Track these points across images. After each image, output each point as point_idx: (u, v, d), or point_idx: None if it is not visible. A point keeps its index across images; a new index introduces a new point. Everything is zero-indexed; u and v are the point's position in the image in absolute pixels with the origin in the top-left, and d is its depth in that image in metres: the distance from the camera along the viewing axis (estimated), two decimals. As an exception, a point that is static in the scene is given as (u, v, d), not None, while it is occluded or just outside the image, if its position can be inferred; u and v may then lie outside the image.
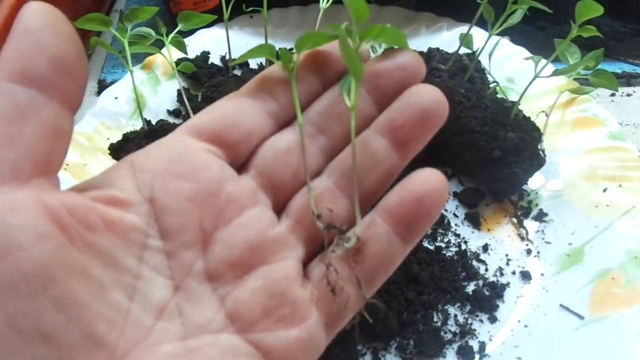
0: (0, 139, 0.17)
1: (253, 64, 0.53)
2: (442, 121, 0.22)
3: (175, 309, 0.20)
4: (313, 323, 0.21)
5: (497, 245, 0.38)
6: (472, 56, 0.47)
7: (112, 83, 0.48)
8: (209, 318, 0.20)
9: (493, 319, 0.33)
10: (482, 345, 0.32)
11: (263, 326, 0.21)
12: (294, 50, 0.24)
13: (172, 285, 0.20)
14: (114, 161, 0.40)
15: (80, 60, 0.18)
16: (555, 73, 0.40)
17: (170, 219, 0.21)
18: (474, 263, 0.37)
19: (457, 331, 0.33)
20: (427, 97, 0.22)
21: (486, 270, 0.36)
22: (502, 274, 0.36)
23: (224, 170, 0.22)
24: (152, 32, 0.43)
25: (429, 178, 0.22)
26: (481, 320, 0.34)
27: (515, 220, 0.39)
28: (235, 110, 0.23)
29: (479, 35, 0.48)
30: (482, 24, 0.43)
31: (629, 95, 0.52)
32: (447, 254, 0.37)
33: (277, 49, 0.25)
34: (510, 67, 0.49)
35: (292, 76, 0.23)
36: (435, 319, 0.33)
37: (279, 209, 0.23)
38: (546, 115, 0.42)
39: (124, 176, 0.21)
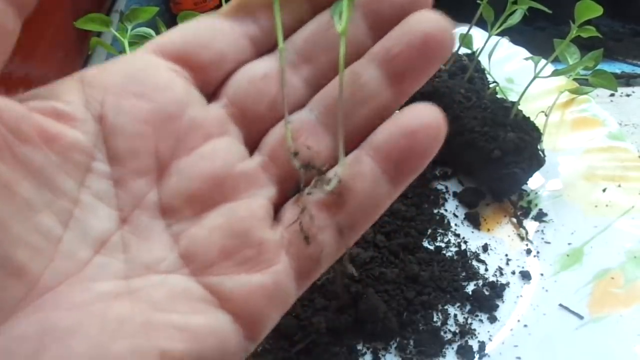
0: None
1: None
2: (445, 52, 0.19)
3: (119, 244, 0.17)
4: (281, 269, 0.18)
5: (496, 245, 0.38)
6: (472, 56, 0.47)
7: (112, 83, 0.48)
8: (158, 257, 0.18)
9: (493, 319, 0.34)
10: (482, 345, 0.32)
11: (222, 269, 0.18)
12: None
13: (118, 217, 0.18)
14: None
15: None
16: (555, 73, 0.40)
17: (121, 141, 0.18)
18: (474, 263, 0.37)
19: (457, 331, 0.33)
20: (429, 23, 0.19)
21: (486, 270, 0.36)
22: (501, 274, 0.36)
23: (189, 93, 0.20)
24: (152, 33, 0.43)
25: (422, 112, 0.19)
26: (481, 320, 0.34)
27: (515, 220, 0.39)
28: (209, 30, 0.20)
29: (478, 35, 0.48)
30: (482, 24, 0.43)
31: (628, 95, 0.52)
32: (447, 254, 0.37)
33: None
34: (510, 67, 0.49)
35: None
36: (435, 319, 0.33)
37: (252, 144, 0.21)
38: (546, 115, 0.42)
39: (70, 89, 0.18)
